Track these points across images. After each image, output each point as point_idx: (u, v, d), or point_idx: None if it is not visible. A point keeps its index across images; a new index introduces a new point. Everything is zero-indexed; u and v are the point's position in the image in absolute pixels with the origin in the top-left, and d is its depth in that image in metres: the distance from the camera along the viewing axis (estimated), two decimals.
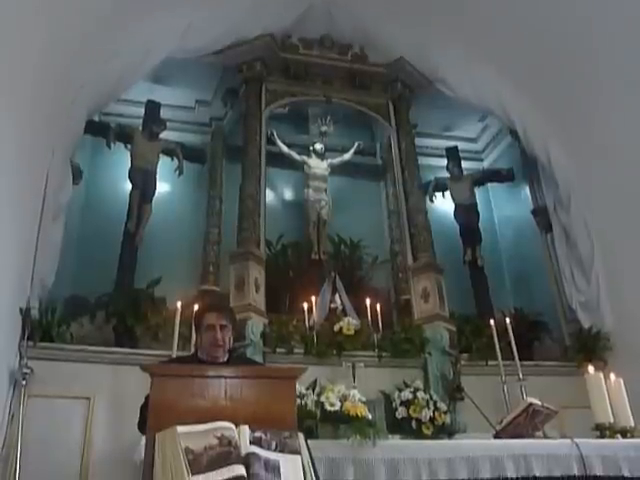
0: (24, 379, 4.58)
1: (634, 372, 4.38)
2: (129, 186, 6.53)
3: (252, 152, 6.58)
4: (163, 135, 6.92)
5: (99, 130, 6.67)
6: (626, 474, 2.52)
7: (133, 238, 6.21)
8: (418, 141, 7.57)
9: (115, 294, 5.62)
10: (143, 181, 6.52)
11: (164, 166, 6.89)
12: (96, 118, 6.60)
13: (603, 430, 2.94)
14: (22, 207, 4.60)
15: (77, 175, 6.01)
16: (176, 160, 6.99)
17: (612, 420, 2.98)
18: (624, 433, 2.96)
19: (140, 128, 6.84)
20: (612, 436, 2.90)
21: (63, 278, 5.56)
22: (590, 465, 2.48)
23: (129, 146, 6.73)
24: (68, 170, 5.65)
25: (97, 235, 6.23)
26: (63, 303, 5.53)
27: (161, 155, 6.85)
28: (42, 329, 4.95)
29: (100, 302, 5.55)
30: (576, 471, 2.45)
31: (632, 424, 3.04)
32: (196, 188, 7.15)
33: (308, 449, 1.85)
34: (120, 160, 6.76)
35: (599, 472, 2.48)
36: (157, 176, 6.68)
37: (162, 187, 6.87)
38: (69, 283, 5.81)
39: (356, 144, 7.71)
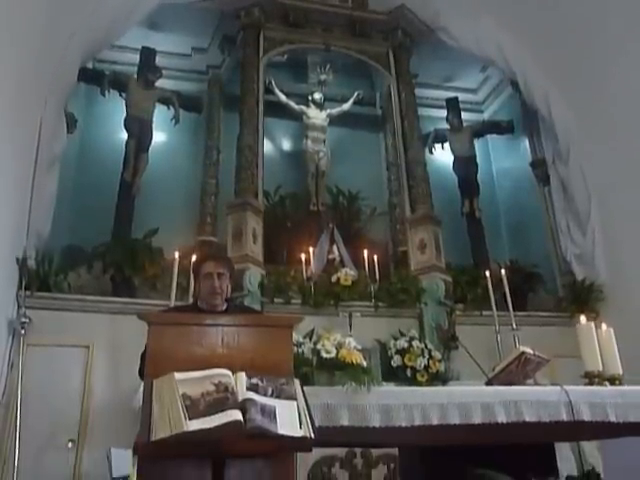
0: (23, 328, 4.64)
1: (625, 323, 4.46)
2: (125, 135, 6.44)
3: (250, 101, 6.47)
4: (159, 83, 6.79)
5: (93, 78, 6.54)
6: (612, 419, 2.58)
7: (130, 188, 6.16)
8: (418, 92, 7.45)
9: (112, 244, 5.61)
10: (139, 130, 6.43)
11: (160, 115, 6.78)
12: (90, 65, 6.45)
13: (592, 378, 2.99)
14: (16, 157, 4.54)
15: (71, 124, 5.92)
16: (172, 109, 6.88)
17: (601, 368, 3.03)
18: (612, 381, 3.01)
19: (135, 76, 6.70)
20: (600, 383, 2.95)
21: (59, 228, 5.55)
22: (578, 411, 2.53)
23: (124, 94, 6.61)
24: (62, 119, 5.55)
25: (93, 185, 6.18)
26: (60, 253, 5.53)
27: (157, 104, 6.73)
28: (39, 279, 4.97)
29: (97, 252, 5.54)
30: (565, 417, 2.51)
31: (620, 372, 3.10)
32: (193, 138, 7.07)
33: (304, 395, 1.88)
34: (115, 109, 6.65)
35: (587, 418, 2.53)
36: (153, 125, 6.59)
37: (158, 137, 6.77)
38: (65, 233, 5.81)
39: (355, 94, 7.58)
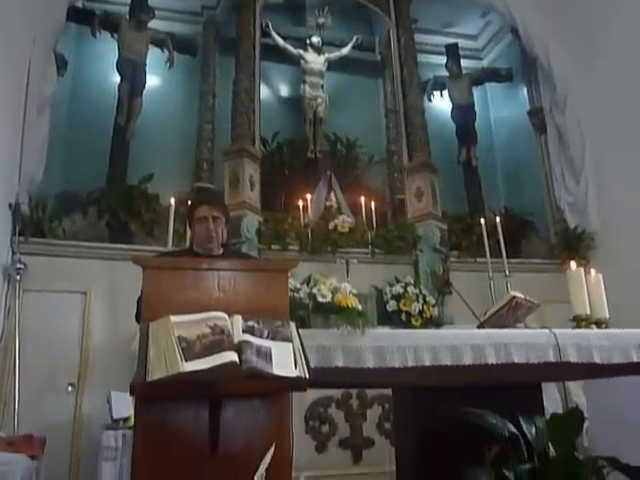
0: (18, 274, 4.63)
1: (614, 269, 4.52)
2: (117, 78, 6.26)
3: (246, 44, 6.30)
4: (152, 24, 6.55)
5: (83, 17, 6.32)
6: (597, 361, 2.63)
7: (124, 133, 6.05)
8: (418, 37, 7.27)
9: (107, 190, 5.55)
10: (132, 73, 6.25)
11: (154, 58, 6.58)
12: (79, 4, 6.23)
13: (580, 321, 3.04)
14: (5, 100, 4.43)
15: (61, 66, 5.76)
16: (166, 51, 6.68)
17: (589, 312, 3.08)
18: (599, 324, 3.06)
19: (127, 16, 6.46)
20: (588, 327, 3.00)
21: (52, 174, 5.47)
22: (565, 353, 2.58)
23: (116, 35, 6.40)
24: (51, 60, 5.39)
25: (86, 129, 6.04)
26: (54, 199, 5.48)
27: (150, 46, 6.52)
28: (33, 225, 4.94)
29: (92, 198, 5.48)
30: (552, 358, 2.56)
31: (607, 316, 3.15)
32: (188, 82, 6.87)
33: (299, 337, 1.88)
34: (107, 51, 6.44)
35: (573, 359, 2.59)
36: (146, 68, 6.40)
37: (152, 80, 6.60)
38: (59, 179, 5.73)
39: (354, 38, 7.38)
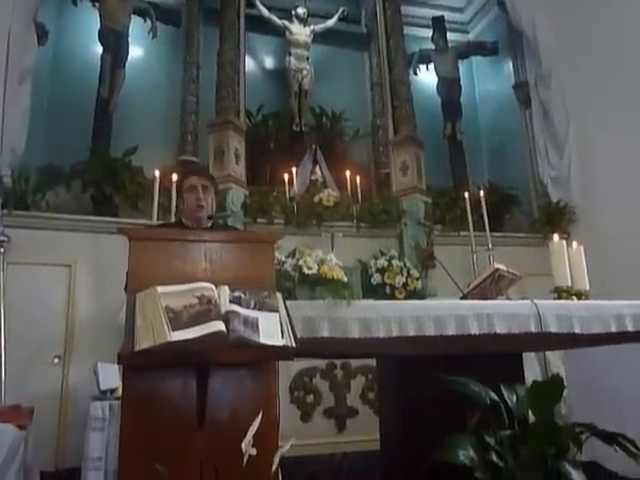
0: (1, 247, 4.58)
1: (594, 242, 4.58)
2: (100, 49, 6.12)
3: (230, 14, 6.18)
4: None
5: None
6: (577, 331, 2.69)
7: (107, 104, 5.93)
8: (404, 10, 7.17)
9: (91, 162, 5.45)
10: (115, 43, 6.11)
11: (137, 28, 6.43)
12: None
13: (561, 292, 3.09)
14: None
15: (42, 35, 5.61)
16: (149, 21, 6.53)
17: (570, 284, 3.12)
18: (579, 295, 3.12)
19: None
20: (568, 298, 3.05)
21: (35, 146, 5.37)
22: (546, 323, 2.63)
23: (97, 4, 6.23)
24: (32, 29, 5.24)
25: (68, 101, 5.93)
26: (37, 171, 5.39)
27: (133, 16, 6.37)
28: (16, 197, 4.87)
29: (75, 171, 5.40)
30: (533, 328, 2.60)
31: (587, 288, 3.20)
32: (172, 53, 6.74)
33: (286, 308, 1.90)
34: (89, 20, 6.28)
35: (554, 329, 2.64)
36: (129, 39, 6.26)
37: (135, 51, 6.47)
38: (41, 151, 5.63)
39: (340, 10, 7.28)
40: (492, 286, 2.94)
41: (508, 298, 3.09)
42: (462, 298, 2.92)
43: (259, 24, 6.91)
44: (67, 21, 6.41)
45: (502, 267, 2.95)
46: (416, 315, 2.43)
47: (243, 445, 1.60)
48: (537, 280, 4.30)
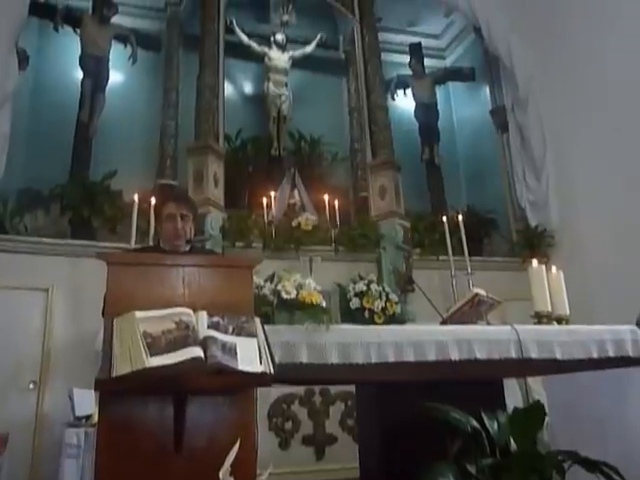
0: None
1: (574, 267, 4.66)
2: (80, 74, 6.17)
3: (210, 41, 6.26)
4: (115, 20, 6.48)
5: (45, 12, 6.20)
6: (558, 357, 2.69)
7: (87, 129, 5.96)
8: (382, 36, 7.34)
9: (69, 186, 5.45)
10: (95, 69, 6.17)
11: (117, 54, 6.50)
12: None
13: (541, 318, 3.11)
14: None
15: (23, 60, 5.62)
16: (129, 47, 6.59)
17: (550, 309, 3.15)
18: (559, 320, 3.14)
19: (90, 11, 6.38)
20: (549, 323, 3.08)
21: (14, 170, 5.35)
22: (526, 349, 2.63)
23: (78, 31, 6.29)
24: (13, 54, 5.26)
25: (48, 125, 5.94)
26: (16, 195, 5.37)
27: (113, 41, 6.44)
28: None
29: (54, 194, 5.40)
30: (514, 354, 2.61)
31: (567, 312, 3.23)
32: (151, 78, 6.80)
33: (264, 332, 1.89)
34: (70, 46, 6.33)
35: (534, 355, 2.64)
36: (110, 64, 6.32)
37: (116, 76, 6.52)
38: (21, 175, 5.61)
39: (318, 36, 7.40)
40: (472, 311, 2.95)
41: (488, 323, 3.10)
42: (442, 323, 2.93)
43: (238, 50, 7.00)
44: (48, 46, 6.45)
45: (481, 292, 2.97)
46: (395, 340, 2.43)
47: (221, 474, 1.58)
48: (517, 305, 4.33)
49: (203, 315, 1.80)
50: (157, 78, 6.74)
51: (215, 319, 1.81)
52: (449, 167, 7.61)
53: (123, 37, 6.58)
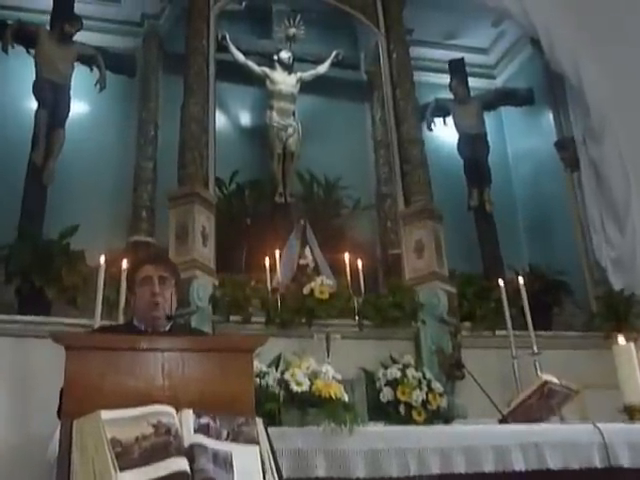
0: None
1: None
2: (34, 104, 6.33)
3: (197, 61, 6.42)
4: (79, 37, 6.67)
5: None
6: None
7: (41, 173, 6.06)
8: (414, 51, 7.50)
9: (18, 246, 5.49)
10: (53, 98, 6.31)
11: (81, 79, 6.68)
12: None
13: (632, 412, 3.06)
14: None
15: None
16: (96, 70, 6.77)
17: None
18: None
19: (47, 27, 6.59)
20: None
21: None
22: (615, 455, 2.59)
23: (33, 51, 6.49)
24: None
25: None
26: None
27: (76, 64, 6.63)
28: None
29: None
30: (598, 462, 2.56)
31: None
32: (124, 108, 6.98)
33: (268, 438, 1.89)
34: (21, 70, 6.52)
35: (625, 463, 2.59)
36: (71, 92, 6.48)
37: (79, 107, 6.71)
38: None
39: (334, 53, 7.59)
40: (540, 404, 2.93)
41: (563, 420, 3.06)
42: (501, 421, 2.90)
43: (233, 72, 7.17)
44: None
45: (552, 379, 2.96)
46: (441, 446, 2.41)
47: None
48: (599, 395, 4.27)
49: (189, 415, 1.81)
50: (131, 108, 6.93)
51: (204, 420, 1.81)
52: (504, 215, 7.63)
53: (88, 58, 6.74)
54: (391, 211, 6.91)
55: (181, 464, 1.67)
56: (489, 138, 7.86)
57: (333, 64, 7.59)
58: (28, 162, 6.09)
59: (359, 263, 5.91)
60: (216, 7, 6.77)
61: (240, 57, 7.21)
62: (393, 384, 5.25)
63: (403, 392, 5.18)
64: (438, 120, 8.03)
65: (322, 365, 4.24)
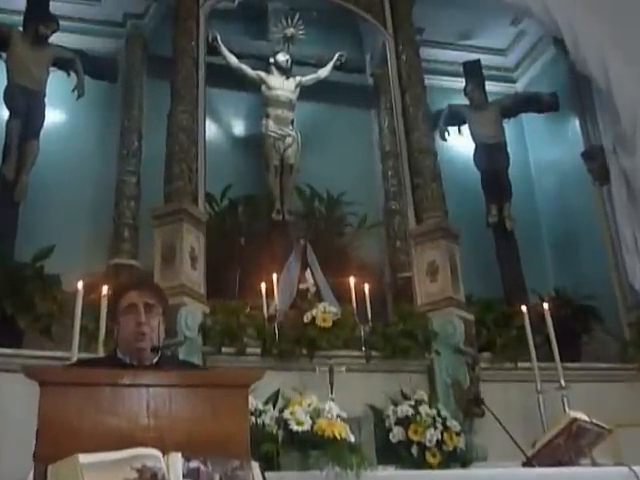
0: None
1: None
2: (6, 113, 6.38)
3: (186, 65, 6.46)
4: (55, 38, 6.74)
5: None
6: None
7: (12, 189, 6.08)
8: (425, 52, 7.58)
9: None
10: (26, 106, 6.36)
11: (57, 85, 6.73)
12: None
13: None
14: None
15: None
16: (74, 75, 6.82)
17: None
18: None
19: (20, 28, 6.64)
20: None
21: None
22: None
23: (4, 55, 6.55)
24: None
25: None
26: None
27: (52, 68, 6.68)
28: None
29: None
30: None
31: None
32: (105, 117, 7.03)
33: None
34: None
35: None
36: (46, 99, 6.52)
37: (54, 116, 6.77)
38: None
39: (337, 55, 7.65)
40: (569, 444, 2.92)
41: (594, 463, 3.05)
42: (525, 464, 2.89)
43: (225, 76, 7.24)
44: None
45: (582, 416, 2.95)
46: None
47: None
48: (635, 434, 4.25)
49: (177, 458, 1.81)
50: (112, 117, 6.98)
51: (194, 464, 1.81)
52: (527, 233, 7.65)
53: (66, 62, 6.80)
54: (401, 229, 6.93)
55: None
56: (509, 148, 7.90)
57: (335, 67, 7.66)
58: None
59: (365, 287, 5.91)
60: (206, 5, 6.80)
61: (233, 60, 7.27)
62: (404, 422, 5.23)
63: (415, 431, 5.16)
64: (452, 128, 8.07)
65: (325, 402, 4.23)
